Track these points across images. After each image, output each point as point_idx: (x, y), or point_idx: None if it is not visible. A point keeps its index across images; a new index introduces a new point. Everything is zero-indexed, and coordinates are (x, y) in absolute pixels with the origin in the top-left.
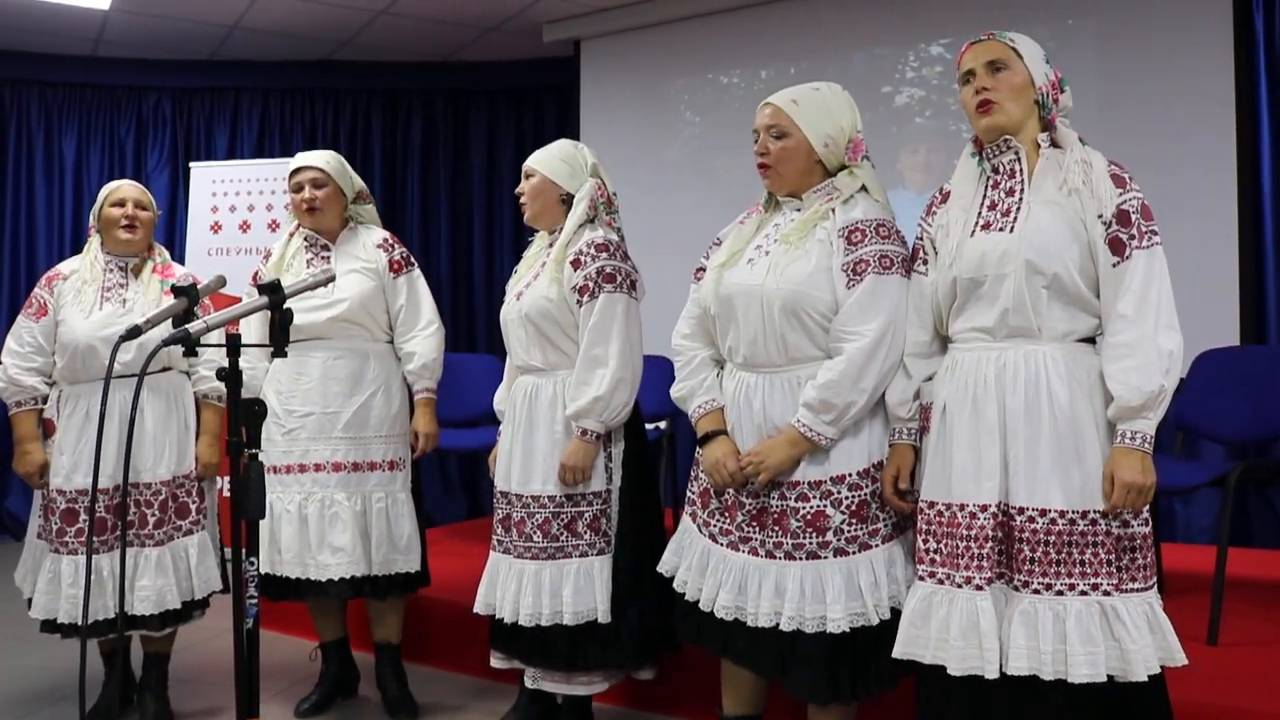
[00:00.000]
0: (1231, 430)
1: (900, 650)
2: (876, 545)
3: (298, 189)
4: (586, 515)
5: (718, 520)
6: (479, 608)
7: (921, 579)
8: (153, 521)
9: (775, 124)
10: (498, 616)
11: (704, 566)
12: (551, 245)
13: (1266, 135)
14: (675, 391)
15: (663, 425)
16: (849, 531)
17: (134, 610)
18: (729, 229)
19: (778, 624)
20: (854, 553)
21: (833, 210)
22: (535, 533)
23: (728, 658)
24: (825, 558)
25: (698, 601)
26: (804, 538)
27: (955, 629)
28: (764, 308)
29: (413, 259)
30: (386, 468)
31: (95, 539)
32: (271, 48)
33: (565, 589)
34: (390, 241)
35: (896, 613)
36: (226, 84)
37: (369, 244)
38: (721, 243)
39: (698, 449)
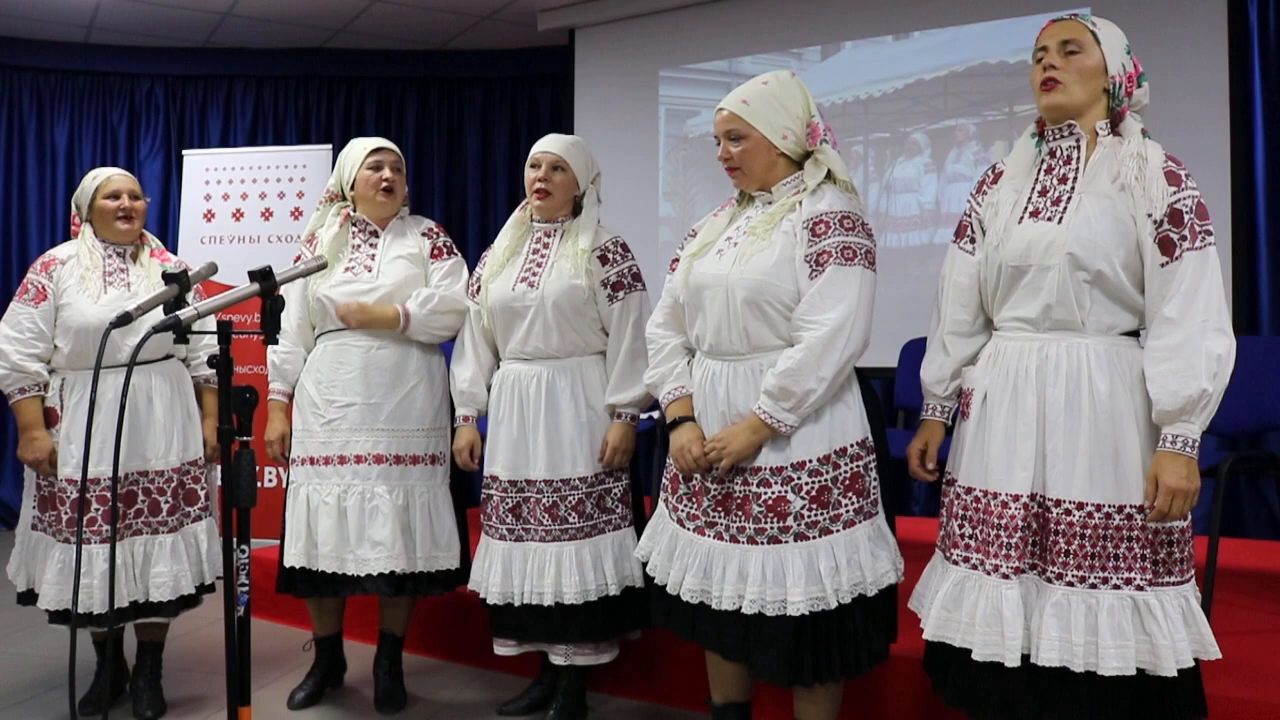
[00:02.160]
0: (1223, 421)
1: (931, 632)
2: (838, 530)
3: (376, 167)
4: (616, 490)
5: (685, 505)
6: (495, 599)
7: (955, 563)
8: (166, 508)
9: (731, 128)
10: (520, 604)
11: (672, 551)
12: (547, 234)
13: (1260, 128)
14: (647, 378)
15: (657, 414)
16: (809, 517)
17: (151, 597)
18: (704, 220)
19: (740, 607)
20: (814, 538)
21: (799, 202)
22: (570, 514)
23: (696, 641)
24: (786, 542)
25: (666, 585)
26: (765, 523)
27: (981, 615)
28: (728, 297)
29: (454, 248)
30: (429, 461)
31: (107, 527)
32: (265, 35)
33: (606, 562)
34: (435, 230)
35: (861, 599)
36: (220, 71)
37: (415, 232)
38: (696, 234)
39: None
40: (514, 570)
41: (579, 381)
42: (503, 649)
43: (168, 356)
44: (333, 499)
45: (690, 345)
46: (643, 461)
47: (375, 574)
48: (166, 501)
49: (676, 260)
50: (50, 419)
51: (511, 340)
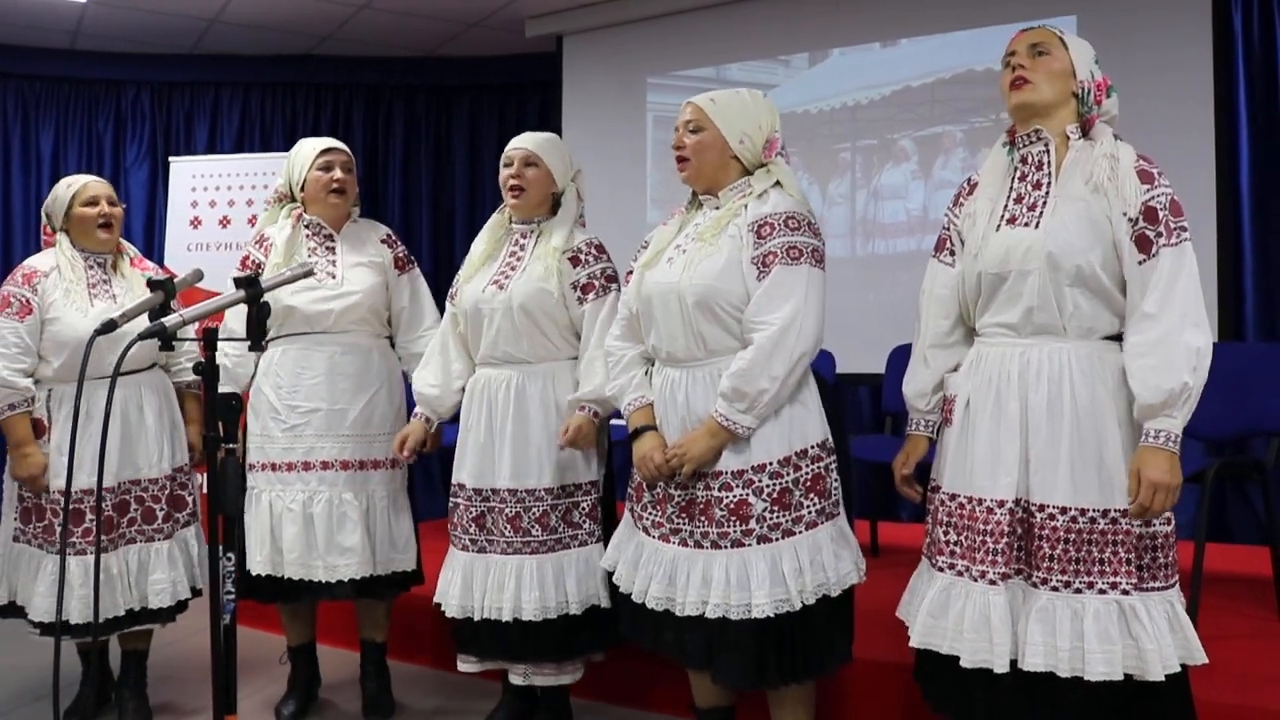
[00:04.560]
0: (1209, 427)
1: (918, 640)
2: (800, 532)
3: (327, 168)
4: (583, 505)
5: (650, 513)
6: (454, 612)
7: (941, 570)
8: (160, 516)
9: (692, 119)
10: (480, 618)
11: (637, 560)
12: (523, 236)
13: (1244, 133)
14: (608, 390)
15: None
16: (771, 519)
17: (150, 604)
18: (656, 230)
19: (704, 612)
20: (777, 539)
21: (745, 206)
22: (534, 526)
23: (659, 650)
24: (749, 545)
25: (631, 594)
26: (728, 526)
27: (968, 622)
28: (680, 304)
29: (412, 258)
30: (389, 466)
31: (101, 537)
32: (252, 41)
33: (569, 579)
34: (393, 237)
35: (825, 600)
36: (207, 78)
37: (373, 239)
38: (648, 245)
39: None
40: (474, 583)
41: (550, 388)
42: (465, 665)
43: (153, 365)
44: (298, 505)
45: (649, 355)
46: (624, 471)
47: (345, 580)
48: (161, 509)
49: (631, 273)
50: (39, 431)
51: (482, 344)
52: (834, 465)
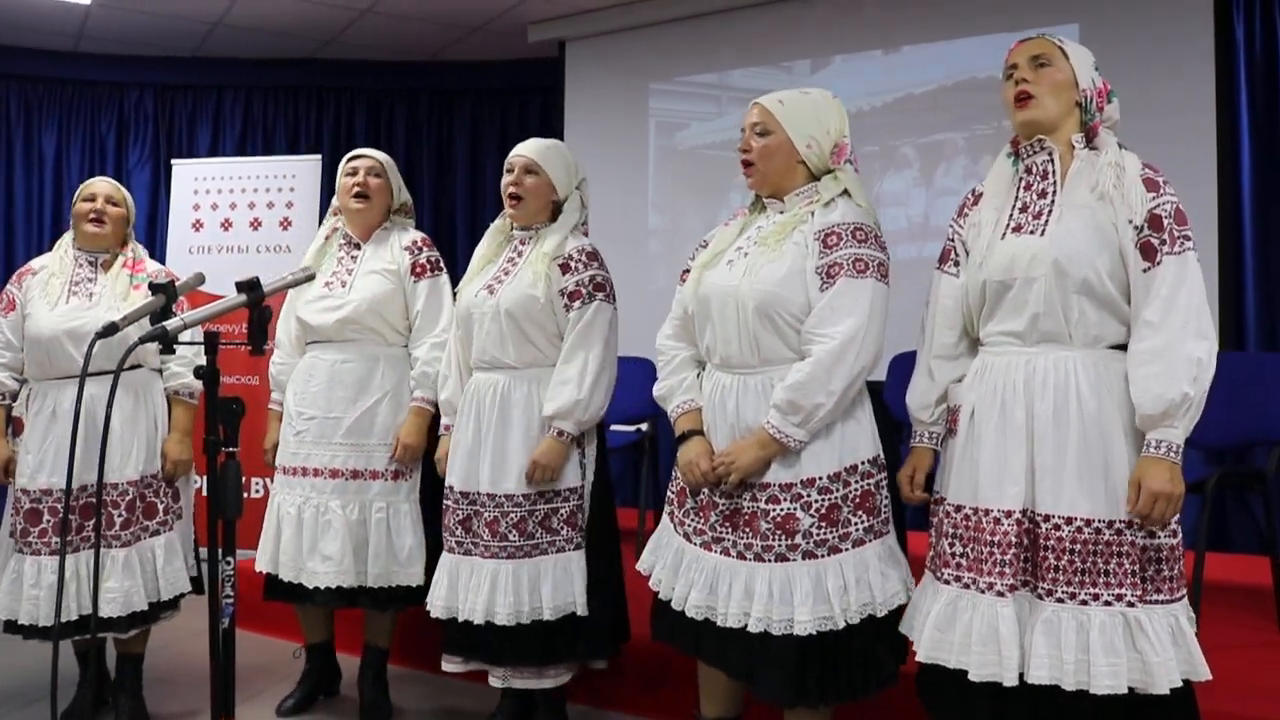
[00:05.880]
0: (1210, 435)
1: (925, 654)
2: (847, 549)
3: (352, 174)
4: (563, 511)
5: (692, 520)
6: (439, 613)
7: (947, 583)
8: (119, 522)
9: (760, 122)
10: (462, 619)
11: (678, 565)
12: (522, 243)
13: (1246, 142)
14: (657, 390)
15: (644, 427)
16: (817, 535)
17: (101, 612)
18: (715, 230)
19: (746, 625)
20: (823, 556)
21: (812, 213)
22: (510, 531)
23: (699, 658)
24: (794, 560)
25: (670, 600)
26: (773, 540)
27: (976, 635)
28: (738, 309)
29: (441, 264)
30: (390, 477)
31: (57, 539)
32: (255, 45)
33: (544, 585)
34: (420, 244)
35: (870, 620)
36: (209, 81)
37: (397, 245)
38: (707, 245)
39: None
40: (459, 584)
41: (534, 394)
42: (449, 665)
43: (135, 366)
44: (293, 509)
45: (700, 357)
46: (629, 475)
47: (323, 588)
48: (120, 515)
49: (687, 271)
50: (17, 428)
51: (474, 348)
52: (885, 482)
